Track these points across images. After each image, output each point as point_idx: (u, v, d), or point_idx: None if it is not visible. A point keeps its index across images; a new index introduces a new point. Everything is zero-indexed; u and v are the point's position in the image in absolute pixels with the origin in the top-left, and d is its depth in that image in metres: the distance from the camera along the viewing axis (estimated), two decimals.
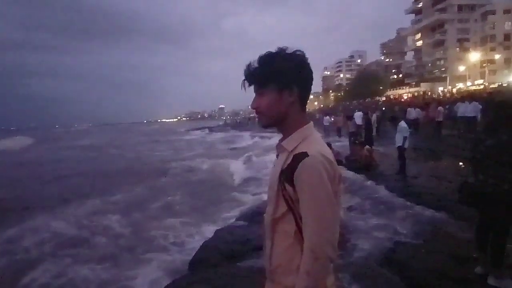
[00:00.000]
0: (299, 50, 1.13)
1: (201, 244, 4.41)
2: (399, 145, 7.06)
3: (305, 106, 1.16)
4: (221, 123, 74.01)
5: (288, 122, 1.11)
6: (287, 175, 1.03)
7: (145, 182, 10.13)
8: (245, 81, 1.13)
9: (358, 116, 13.92)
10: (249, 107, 1.20)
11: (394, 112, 12.17)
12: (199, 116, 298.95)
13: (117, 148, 24.83)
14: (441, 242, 3.70)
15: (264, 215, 1.16)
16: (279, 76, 1.08)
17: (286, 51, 1.11)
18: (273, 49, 1.13)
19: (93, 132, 73.14)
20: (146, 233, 5.62)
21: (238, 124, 56.22)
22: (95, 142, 33.65)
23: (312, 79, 1.15)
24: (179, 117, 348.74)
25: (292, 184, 1.02)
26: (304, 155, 1.01)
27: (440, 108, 13.86)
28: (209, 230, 5.17)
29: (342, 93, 70.92)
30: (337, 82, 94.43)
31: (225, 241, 4.27)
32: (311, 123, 1.15)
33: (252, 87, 1.15)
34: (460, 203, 2.99)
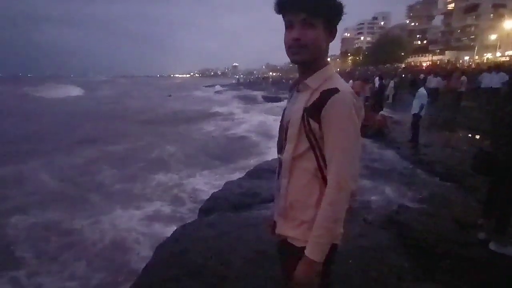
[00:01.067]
0: None
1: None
2: (415, 112, 6.87)
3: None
4: (234, 81, 73.02)
5: (318, 60, 1.08)
6: (313, 111, 1.03)
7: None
8: (285, 5, 1.04)
9: (377, 82, 13.48)
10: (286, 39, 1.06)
11: (415, 78, 11.66)
12: (212, 73, 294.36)
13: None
14: (446, 208, 3.73)
15: (279, 155, 1.16)
16: (332, 9, 1.04)
17: None
18: None
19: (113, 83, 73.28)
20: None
21: (251, 83, 55.36)
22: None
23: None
24: (192, 73, 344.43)
25: (317, 120, 1.02)
26: (335, 91, 1.01)
27: (463, 78, 13.26)
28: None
29: (361, 57, 68.08)
30: (357, 45, 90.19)
31: (233, 193, 4.41)
32: (331, 63, 1.14)
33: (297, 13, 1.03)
34: (473, 170, 2.96)
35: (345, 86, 1.05)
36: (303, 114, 1.06)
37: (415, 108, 6.87)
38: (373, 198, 4.08)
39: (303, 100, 1.08)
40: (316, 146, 1.06)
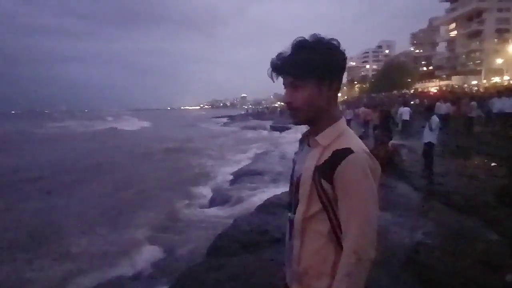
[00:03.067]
0: (335, 39, 1.03)
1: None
2: (427, 140, 6.71)
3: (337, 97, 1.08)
4: (243, 112, 74.16)
5: (323, 117, 1.03)
6: (325, 171, 0.96)
7: None
8: (275, 71, 1.03)
9: (406, 112, 13.31)
10: (278, 101, 1.09)
11: (426, 105, 11.55)
12: (221, 104, 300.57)
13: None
14: (469, 246, 3.50)
15: (290, 214, 1.09)
16: (321, 68, 0.98)
17: (326, 40, 1.00)
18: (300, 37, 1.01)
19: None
20: None
21: (259, 113, 56.11)
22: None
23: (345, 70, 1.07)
24: (201, 105, 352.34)
25: (330, 181, 0.95)
26: (348, 151, 0.95)
27: (473, 103, 13.14)
28: None
29: (367, 85, 68.83)
30: (362, 73, 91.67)
31: (242, 231, 4.27)
32: (344, 117, 1.08)
33: (280, 78, 1.04)
34: (500, 202, 2.80)
35: (358, 145, 0.99)
36: (314, 173, 0.99)
37: (427, 137, 6.73)
38: (387, 234, 3.88)
39: (314, 157, 1.01)
40: (330, 207, 0.99)
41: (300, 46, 1.00)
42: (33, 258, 4.46)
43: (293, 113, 1.04)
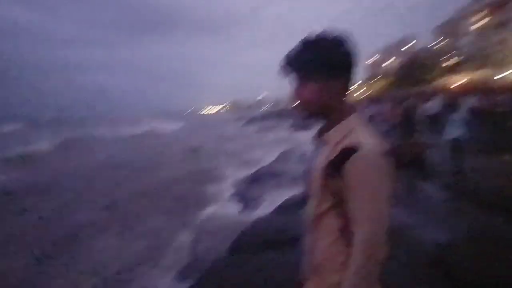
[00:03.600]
0: (345, 34, 1.03)
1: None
2: (455, 136, 6.44)
3: (349, 94, 1.07)
4: (262, 112, 74.32)
5: (332, 112, 1.04)
6: (335, 168, 0.96)
7: None
8: (284, 68, 1.06)
9: (432, 107, 12.87)
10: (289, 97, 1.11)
11: (453, 99, 11.09)
12: (241, 105, 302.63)
13: None
14: (499, 246, 3.32)
15: (306, 209, 1.11)
16: (327, 64, 1.00)
17: (334, 36, 1.02)
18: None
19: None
20: None
21: (280, 113, 55.95)
22: None
23: (357, 65, 1.06)
24: (222, 105, 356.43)
25: (340, 178, 0.95)
26: (356, 147, 0.94)
27: (504, 96, 12.51)
28: None
29: (390, 80, 67.02)
30: (384, 69, 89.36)
31: (263, 230, 4.30)
32: (357, 113, 1.06)
33: (291, 74, 1.06)
34: None
35: (369, 141, 0.96)
36: (324, 170, 1.00)
37: (454, 132, 6.45)
38: (413, 235, 3.75)
39: (325, 154, 1.02)
40: (341, 204, 0.99)
41: (306, 43, 1.02)
42: None
43: (301, 109, 1.06)
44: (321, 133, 1.08)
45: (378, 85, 76.89)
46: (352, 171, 0.93)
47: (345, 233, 1.00)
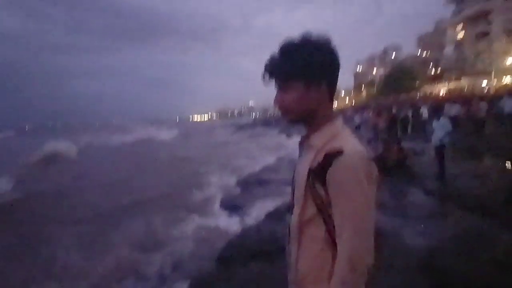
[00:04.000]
0: (326, 37, 1.00)
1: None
2: (438, 142, 6.60)
3: (333, 98, 1.05)
4: (250, 120, 74.45)
5: (315, 117, 1.01)
6: (318, 174, 0.93)
7: None
8: (266, 74, 1.03)
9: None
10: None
11: (436, 107, 11.40)
12: (229, 113, 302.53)
13: None
14: (484, 248, 3.40)
15: (290, 217, 1.06)
16: (306, 69, 0.97)
17: (312, 40, 0.98)
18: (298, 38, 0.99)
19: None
20: None
21: (267, 121, 56.21)
22: None
23: (339, 69, 1.02)
24: (209, 113, 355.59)
25: (323, 184, 0.92)
26: (340, 153, 0.91)
27: (483, 103, 12.93)
28: None
29: (375, 89, 68.42)
30: (369, 78, 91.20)
31: (252, 239, 4.24)
32: (340, 118, 1.04)
33: (272, 81, 1.03)
34: (508, 203, 2.73)
35: (353, 146, 0.94)
36: (308, 176, 0.97)
37: (437, 139, 6.62)
38: (400, 240, 3.80)
39: (308, 160, 0.99)
40: (325, 211, 0.95)
41: (285, 48, 0.99)
42: None
43: (283, 113, 1.04)
44: (305, 139, 1.06)
45: (363, 94, 78.38)
46: (336, 176, 0.90)
47: (330, 242, 0.96)
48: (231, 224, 5.74)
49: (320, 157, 0.95)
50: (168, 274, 4.08)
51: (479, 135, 11.84)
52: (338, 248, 0.92)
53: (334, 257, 0.94)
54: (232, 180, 9.52)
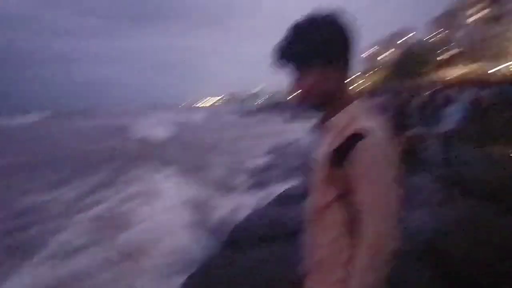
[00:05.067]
0: (339, 12, 0.93)
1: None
2: (448, 127, 6.50)
3: (350, 78, 1.00)
4: (259, 105, 73.91)
5: (335, 98, 0.97)
6: (339, 157, 0.90)
7: None
8: (277, 59, 0.98)
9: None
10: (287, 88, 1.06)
11: (446, 93, 11.18)
12: (237, 97, 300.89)
13: None
14: (489, 234, 3.39)
15: (308, 202, 1.05)
16: (323, 48, 0.92)
17: (325, 16, 0.93)
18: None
19: None
20: None
21: (276, 105, 55.80)
22: None
23: (356, 45, 0.96)
24: (218, 98, 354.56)
25: (344, 167, 0.89)
26: (362, 134, 0.87)
27: (495, 88, 12.62)
28: None
29: (386, 73, 67.03)
30: (380, 62, 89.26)
31: (257, 224, 4.30)
32: (361, 98, 1.01)
33: (286, 65, 0.99)
34: None
35: (376, 127, 0.90)
36: (328, 159, 0.93)
37: (446, 124, 6.52)
38: (405, 225, 3.81)
39: (328, 142, 0.96)
40: (346, 195, 0.92)
41: (298, 28, 0.94)
42: None
43: (300, 98, 0.99)
44: (323, 121, 1.02)
45: (374, 78, 76.87)
46: (359, 158, 0.86)
47: (350, 227, 0.94)
48: (237, 208, 5.81)
49: (342, 139, 0.91)
50: (173, 260, 4.02)
51: (494, 121, 11.59)
52: (361, 233, 0.90)
53: (352, 243, 0.92)
54: (239, 165, 9.56)
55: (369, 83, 73.96)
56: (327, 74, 0.94)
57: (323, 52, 0.92)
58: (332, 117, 0.97)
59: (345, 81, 0.98)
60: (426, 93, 17.83)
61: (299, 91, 0.99)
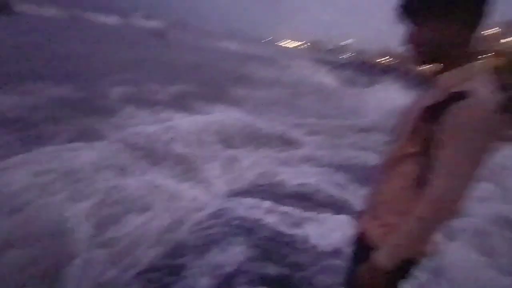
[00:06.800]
0: None
1: None
2: None
3: (475, 36, 0.92)
4: (344, 59, 68.80)
5: (451, 56, 0.93)
6: (435, 113, 0.88)
7: None
8: (401, 9, 0.95)
9: None
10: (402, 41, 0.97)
11: None
12: (321, 47, 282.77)
13: None
14: None
15: (388, 148, 1.06)
16: (447, 1, 0.88)
17: None
18: None
19: None
20: None
21: (363, 65, 51.55)
22: None
23: (485, 3, 0.89)
24: (300, 42, 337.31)
25: (437, 124, 0.88)
26: (466, 95, 0.85)
27: None
28: None
29: (501, 62, 55.91)
30: (501, 46, 74.44)
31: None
32: (483, 61, 0.96)
33: (407, 17, 0.96)
34: None
35: (484, 93, 0.85)
36: (422, 113, 0.93)
37: None
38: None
39: (429, 97, 0.96)
40: (427, 153, 0.92)
41: None
42: None
43: (417, 52, 0.97)
44: (434, 76, 0.99)
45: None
46: (454, 117, 0.84)
47: (420, 182, 0.94)
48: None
49: (443, 96, 0.90)
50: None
51: None
52: (430, 186, 0.90)
53: (418, 196, 0.93)
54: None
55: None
56: (449, 28, 0.90)
57: (446, 6, 0.88)
58: (443, 74, 0.95)
59: (467, 40, 0.93)
60: None
61: (415, 42, 0.96)
